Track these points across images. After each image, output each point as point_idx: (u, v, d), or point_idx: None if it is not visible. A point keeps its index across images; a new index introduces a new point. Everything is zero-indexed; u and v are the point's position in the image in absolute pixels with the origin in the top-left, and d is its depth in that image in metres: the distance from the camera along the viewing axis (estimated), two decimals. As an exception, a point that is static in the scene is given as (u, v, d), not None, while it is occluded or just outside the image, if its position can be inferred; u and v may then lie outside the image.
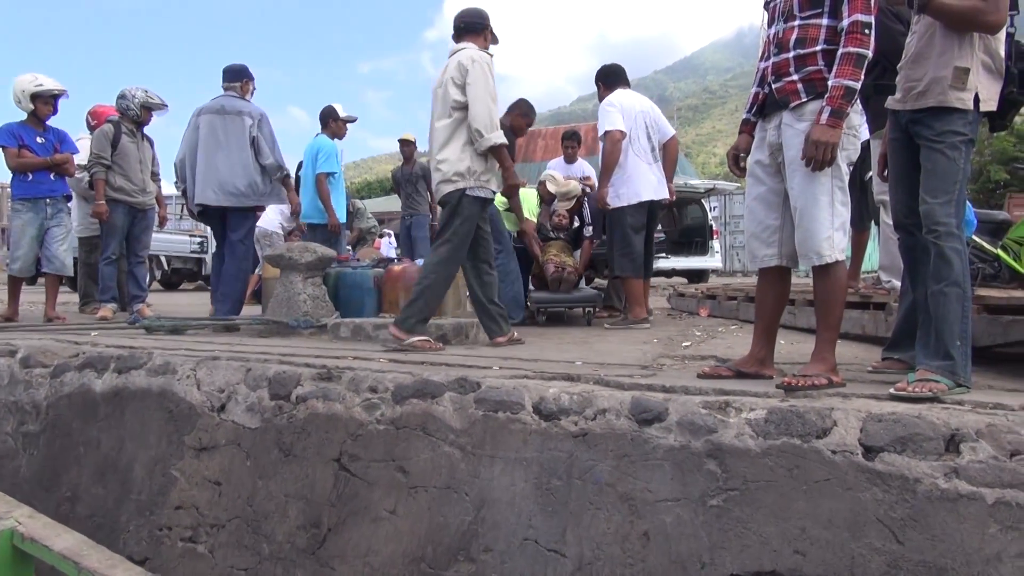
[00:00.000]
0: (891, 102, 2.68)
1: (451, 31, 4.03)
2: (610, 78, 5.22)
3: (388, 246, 13.93)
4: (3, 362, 3.76)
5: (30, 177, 5.30)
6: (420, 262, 5.22)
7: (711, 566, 2.06)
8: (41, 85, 5.29)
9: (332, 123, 6.46)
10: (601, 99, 5.14)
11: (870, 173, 4.40)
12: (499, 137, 3.75)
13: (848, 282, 4.77)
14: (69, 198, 5.58)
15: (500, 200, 5.03)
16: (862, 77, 2.43)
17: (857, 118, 2.55)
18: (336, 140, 6.46)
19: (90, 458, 3.32)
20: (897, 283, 3.90)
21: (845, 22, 2.45)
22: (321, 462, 2.75)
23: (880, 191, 4.09)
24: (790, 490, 2.01)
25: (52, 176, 5.40)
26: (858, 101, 2.54)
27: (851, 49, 2.42)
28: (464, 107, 3.74)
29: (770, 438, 2.07)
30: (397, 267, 5.02)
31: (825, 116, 2.43)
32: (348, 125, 6.56)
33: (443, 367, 2.97)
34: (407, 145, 8.30)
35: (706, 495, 2.11)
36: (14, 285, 5.45)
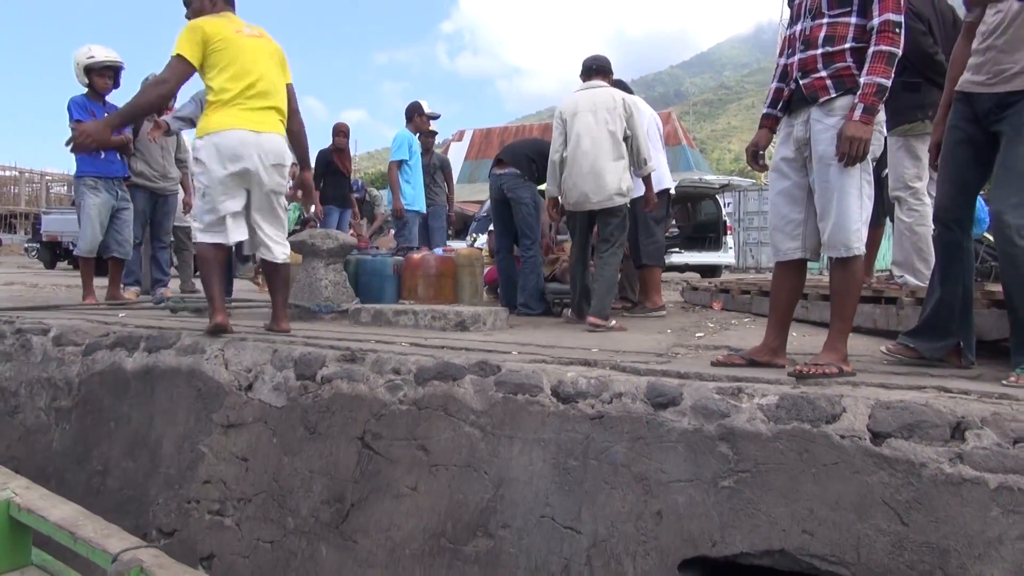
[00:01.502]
0: (968, 84, 2.70)
1: (580, 69, 4.83)
2: (606, 68, 5.26)
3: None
4: (37, 340, 3.89)
5: (102, 155, 5.17)
6: (439, 251, 5.32)
7: (721, 544, 2.14)
8: (93, 57, 5.17)
9: (417, 118, 6.94)
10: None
11: (885, 171, 4.45)
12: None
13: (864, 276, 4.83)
14: (128, 179, 5.58)
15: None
16: (892, 75, 2.48)
17: (884, 114, 2.60)
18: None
19: (121, 433, 3.43)
20: (911, 279, 3.95)
21: (876, 21, 2.50)
22: (345, 440, 2.85)
23: (895, 187, 4.14)
24: (799, 473, 2.09)
25: (119, 156, 5.34)
26: None
27: (883, 47, 2.48)
28: (626, 137, 4.41)
29: (781, 423, 2.15)
30: (416, 255, 5.11)
31: (858, 113, 2.48)
32: (431, 121, 7.07)
33: (463, 351, 3.06)
34: (429, 136, 8.41)
35: (718, 476, 2.19)
36: (88, 268, 5.37)
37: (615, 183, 4.32)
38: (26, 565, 2.68)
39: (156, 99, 3.67)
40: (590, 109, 4.41)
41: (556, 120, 4.59)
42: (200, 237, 3.58)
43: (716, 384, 2.35)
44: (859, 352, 3.09)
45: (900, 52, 2.49)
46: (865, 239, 2.59)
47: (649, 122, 5.09)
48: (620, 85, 5.34)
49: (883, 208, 4.84)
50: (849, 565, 1.98)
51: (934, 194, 4.14)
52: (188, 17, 3.72)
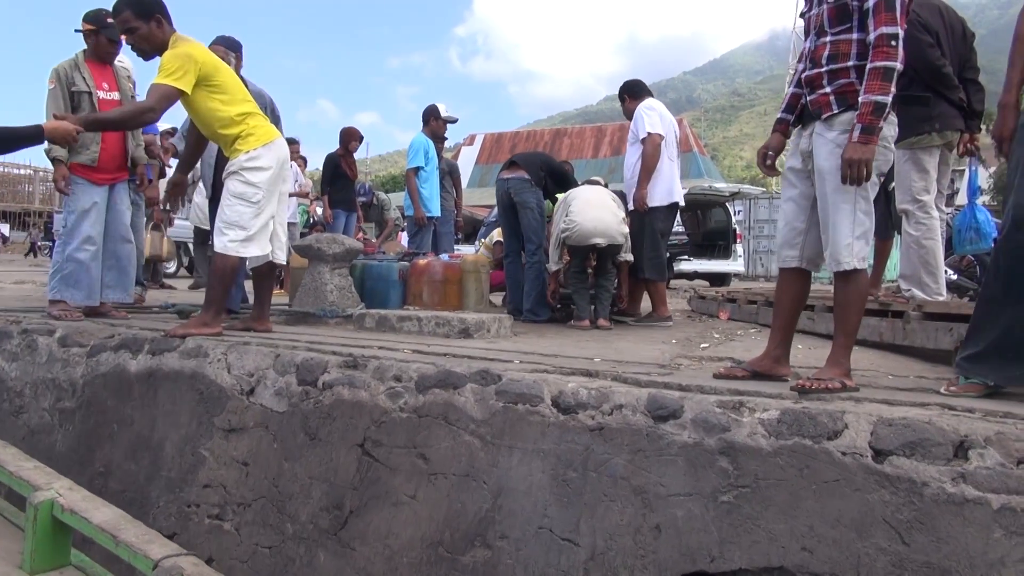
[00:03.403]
0: None
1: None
2: (637, 89, 5.38)
3: (406, 239, 14.08)
4: (43, 341, 3.91)
5: None
6: (445, 257, 5.32)
7: (720, 559, 2.12)
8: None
9: (433, 121, 6.82)
10: (628, 112, 5.30)
11: (893, 183, 4.43)
12: None
13: (868, 290, 4.81)
14: (149, 182, 5.60)
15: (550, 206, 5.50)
16: (892, 89, 2.42)
17: (890, 130, 2.56)
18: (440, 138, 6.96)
19: (123, 435, 3.45)
20: (918, 293, 3.92)
21: (872, 35, 2.46)
22: (345, 447, 2.85)
23: (903, 200, 4.12)
24: (800, 489, 2.07)
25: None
26: (892, 112, 2.55)
27: (878, 63, 2.43)
28: None
29: (782, 438, 2.13)
30: (422, 261, 5.11)
31: (856, 134, 2.43)
32: (447, 125, 6.94)
33: (465, 359, 3.06)
34: (439, 141, 8.44)
35: (717, 491, 2.17)
36: None
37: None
38: (65, 565, 2.70)
39: (139, 126, 3.94)
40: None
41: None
42: (242, 251, 3.68)
43: (717, 397, 2.34)
44: (864, 367, 3.06)
45: (898, 65, 2.42)
46: (862, 254, 2.54)
47: (667, 128, 5.10)
48: (641, 88, 5.37)
49: (891, 221, 4.83)
50: (848, 584, 1.95)
51: (943, 207, 4.13)
52: (134, 46, 3.65)
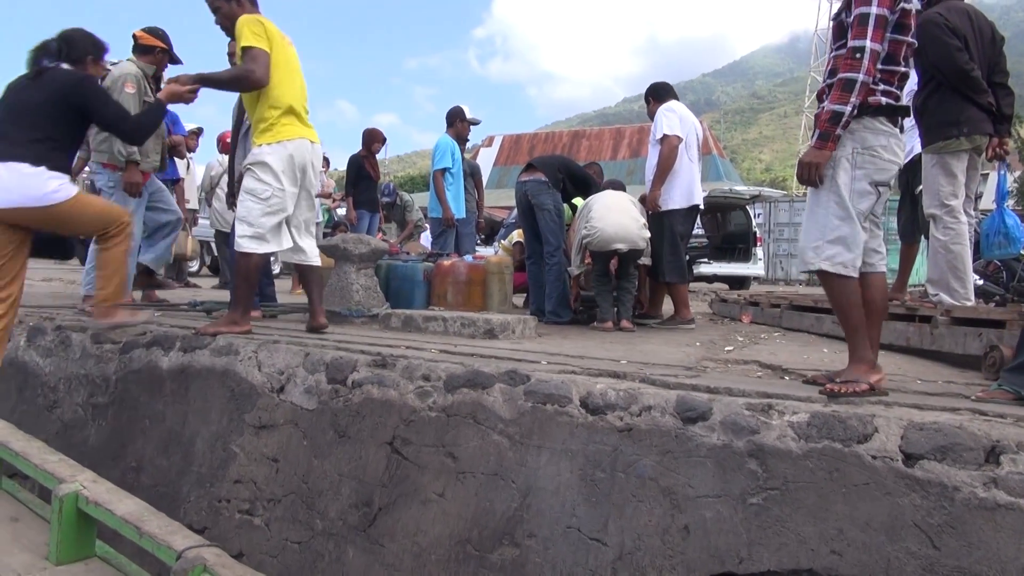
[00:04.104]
0: None
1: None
2: (661, 91, 5.39)
3: (426, 239, 14.13)
4: (76, 337, 3.99)
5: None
6: (468, 258, 5.35)
7: (748, 561, 2.13)
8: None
9: (458, 123, 6.90)
10: (651, 114, 5.31)
11: (920, 187, 4.41)
12: None
13: (894, 294, 4.79)
14: (176, 182, 5.73)
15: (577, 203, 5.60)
16: (853, 100, 2.48)
17: (878, 139, 2.57)
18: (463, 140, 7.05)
19: (155, 431, 3.51)
20: (946, 298, 3.91)
21: (844, 49, 2.57)
22: (374, 445, 2.89)
23: (930, 205, 4.10)
24: (829, 492, 2.07)
25: (169, 157, 5.47)
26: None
27: (842, 74, 2.52)
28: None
29: (811, 441, 2.14)
30: (447, 262, 5.15)
31: (813, 139, 2.59)
32: (471, 127, 7.01)
33: (493, 359, 3.09)
34: (463, 143, 8.49)
35: (746, 493, 2.18)
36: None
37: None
38: (90, 556, 2.75)
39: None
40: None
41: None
42: (255, 247, 3.72)
43: (746, 400, 2.35)
44: (891, 372, 3.06)
45: (860, 76, 2.48)
46: (836, 258, 2.56)
47: (688, 130, 5.10)
48: (665, 91, 5.38)
49: (917, 225, 4.80)
50: (878, 587, 1.96)
51: (971, 212, 4.10)
52: (219, 22, 3.81)
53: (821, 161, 2.56)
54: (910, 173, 4.87)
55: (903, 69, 2.60)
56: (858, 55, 2.48)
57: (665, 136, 5.00)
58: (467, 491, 2.64)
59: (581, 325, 5.18)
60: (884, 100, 2.55)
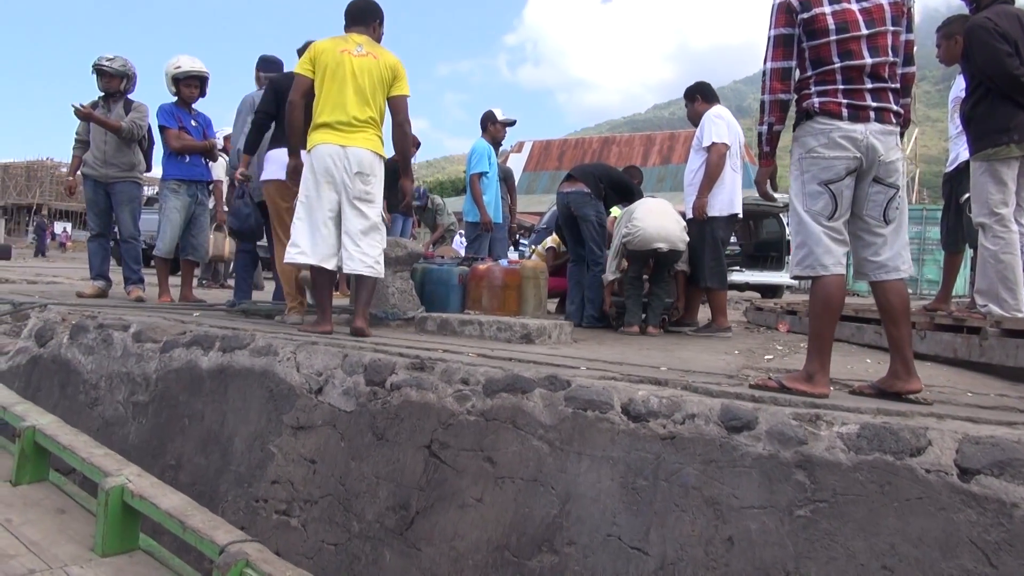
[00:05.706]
0: None
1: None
2: (709, 92, 5.37)
3: (458, 244, 14.16)
4: (118, 336, 4.05)
5: (187, 159, 5.49)
6: (504, 262, 5.35)
7: (796, 575, 2.09)
8: (179, 67, 5.46)
9: (491, 127, 6.91)
10: (695, 113, 5.27)
11: (966, 195, 4.31)
12: None
13: (939, 305, 4.69)
14: (212, 184, 5.84)
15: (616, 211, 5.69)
16: (765, 119, 2.67)
17: (823, 137, 2.58)
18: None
19: (194, 430, 3.54)
20: (995, 309, 3.81)
21: None
22: (412, 448, 2.88)
23: (979, 214, 4.00)
24: (880, 506, 2.02)
25: (204, 160, 5.61)
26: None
27: (760, 97, 2.73)
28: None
29: (862, 453, 2.09)
30: (482, 266, 5.15)
31: None
32: (506, 128, 7.01)
33: (531, 364, 3.07)
34: (497, 146, 8.50)
35: (793, 505, 2.14)
36: (163, 268, 5.60)
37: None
38: (134, 549, 2.80)
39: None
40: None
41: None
42: (298, 258, 3.98)
43: (793, 410, 2.30)
44: (939, 384, 2.99)
45: (766, 97, 2.67)
46: (804, 263, 2.64)
47: (733, 138, 5.06)
48: (712, 91, 5.36)
49: (961, 234, 4.70)
50: (932, 605, 1.91)
51: (1022, 221, 4.00)
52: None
53: (760, 179, 2.87)
54: (954, 181, 4.77)
55: (842, 64, 2.57)
56: (764, 78, 2.69)
57: (714, 143, 4.96)
58: (506, 496, 2.62)
59: (613, 330, 5.15)
60: (818, 101, 2.59)
